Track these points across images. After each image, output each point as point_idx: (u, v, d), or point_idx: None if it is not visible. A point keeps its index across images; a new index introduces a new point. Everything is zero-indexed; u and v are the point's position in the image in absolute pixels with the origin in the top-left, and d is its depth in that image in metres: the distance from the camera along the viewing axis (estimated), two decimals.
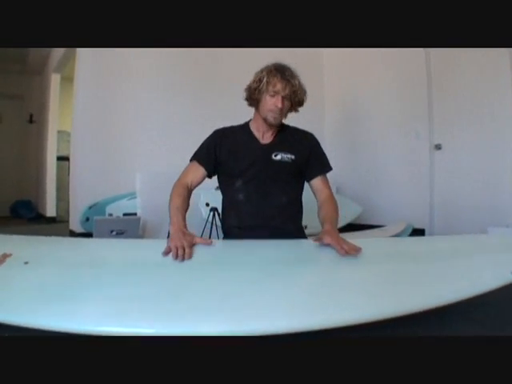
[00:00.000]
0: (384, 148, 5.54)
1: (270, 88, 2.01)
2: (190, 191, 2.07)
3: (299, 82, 2.05)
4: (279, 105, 2.00)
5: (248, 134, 2.15)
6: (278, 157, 2.08)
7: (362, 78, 5.72)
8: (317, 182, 2.11)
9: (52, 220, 6.96)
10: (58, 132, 7.13)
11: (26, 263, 1.64)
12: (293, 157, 2.09)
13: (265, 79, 2.02)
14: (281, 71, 2.01)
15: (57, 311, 1.31)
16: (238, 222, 2.14)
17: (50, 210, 7.05)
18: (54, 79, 6.99)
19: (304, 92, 2.08)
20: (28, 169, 8.17)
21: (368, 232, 4.64)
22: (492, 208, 4.44)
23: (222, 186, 2.24)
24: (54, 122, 7.08)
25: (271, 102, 2.02)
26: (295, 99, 2.05)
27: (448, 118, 4.89)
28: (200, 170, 2.11)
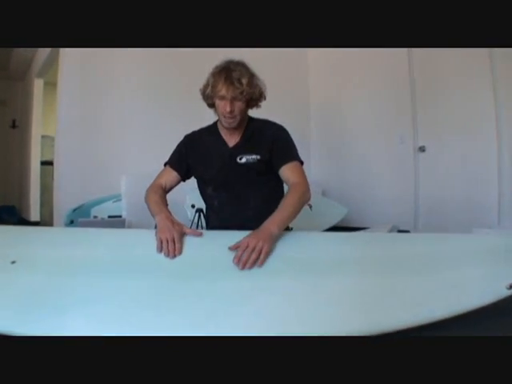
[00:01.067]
0: (369, 150, 5.59)
1: (216, 92, 1.95)
2: (164, 192, 2.08)
3: (248, 80, 1.95)
4: (227, 108, 1.93)
5: (216, 136, 2.12)
6: (243, 160, 2.02)
7: (346, 81, 5.77)
8: (282, 172, 2.01)
9: (36, 224, 6.84)
10: (42, 137, 7.07)
11: (13, 263, 1.60)
12: (258, 156, 2.03)
13: (210, 83, 1.98)
14: (225, 72, 1.94)
15: (43, 320, 1.31)
16: (219, 225, 2.14)
17: (34, 215, 6.98)
18: (37, 84, 6.95)
19: (257, 86, 2.00)
20: (11, 174, 8.05)
21: (352, 234, 4.64)
22: (476, 209, 4.49)
23: (199, 189, 2.24)
24: (38, 127, 7.02)
25: (221, 106, 1.97)
26: (246, 97, 1.96)
27: (431, 120, 4.95)
28: (173, 174, 2.12)
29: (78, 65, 4.74)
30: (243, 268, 1.53)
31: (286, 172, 1.99)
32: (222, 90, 1.92)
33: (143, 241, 1.88)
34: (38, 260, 1.67)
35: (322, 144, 6.08)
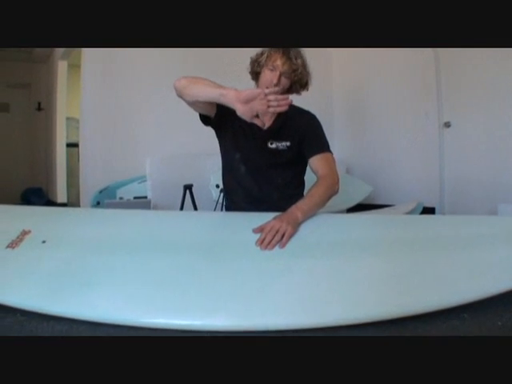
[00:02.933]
0: (393, 127, 5.53)
1: (270, 62, 1.98)
2: None
3: (302, 63, 2.00)
4: (275, 80, 1.95)
5: None
6: (273, 145, 2.04)
7: (370, 59, 5.67)
8: (312, 162, 2.03)
9: (63, 206, 6.96)
10: (67, 119, 7.12)
11: (44, 242, 1.66)
12: (288, 143, 2.05)
13: (266, 53, 2.00)
14: (284, 49, 1.98)
15: (71, 298, 1.35)
16: (242, 194, 2.14)
17: (61, 197, 7.08)
18: (61, 66, 6.95)
19: (307, 74, 2.03)
20: (38, 156, 8.18)
21: (378, 211, 4.64)
22: (502, 185, 4.43)
23: (222, 152, 2.21)
24: (63, 109, 7.07)
25: (268, 77, 1.98)
26: (295, 78, 2.00)
27: (456, 96, 4.87)
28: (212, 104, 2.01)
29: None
30: (265, 249, 1.54)
31: (316, 163, 2.01)
32: (277, 60, 1.97)
33: (169, 222, 1.95)
34: (67, 239, 1.72)
35: (346, 121, 6.04)
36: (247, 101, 1.65)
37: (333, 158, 2.05)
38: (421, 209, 4.72)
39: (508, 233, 1.66)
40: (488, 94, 4.57)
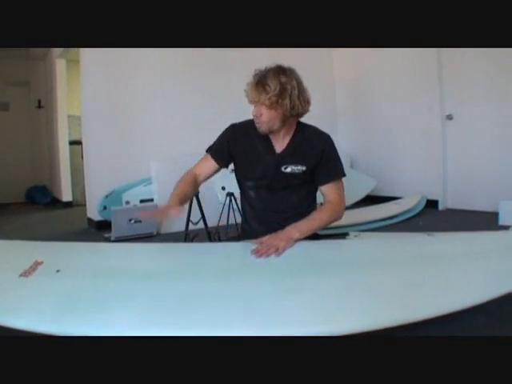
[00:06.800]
0: (396, 120, 5.56)
1: (249, 97, 1.97)
2: (196, 179, 2.12)
3: (280, 89, 1.88)
4: (255, 113, 1.96)
5: (262, 137, 2.07)
6: (288, 169, 2.04)
7: (372, 53, 5.62)
8: (323, 188, 2.08)
9: (68, 204, 7.04)
10: (69, 117, 7.11)
11: (58, 271, 1.69)
12: (304, 168, 2.04)
13: (247, 88, 1.98)
14: (259, 77, 1.93)
15: (89, 321, 1.36)
16: (253, 215, 2.19)
17: (66, 195, 7.11)
18: (60, 64, 6.92)
19: (291, 100, 1.91)
20: (40, 154, 8.20)
21: (383, 206, 4.70)
22: (505, 179, 4.47)
23: (236, 175, 2.24)
24: (63, 107, 7.06)
25: (253, 112, 1.98)
26: (281, 104, 1.91)
27: (459, 88, 4.89)
28: (211, 163, 2.12)
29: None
30: (259, 257, 1.75)
31: (326, 189, 2.07)
32: (252, 94, 1.94)
33: (175, 252, 2.10)
34: (80, 269, 1.78)
35: (349, 115, 6.05)
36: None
37: (343, 185, 2.09)
38: (424, 202, 4.78)
39: (501, 247, 1.90)
40: (491, 87, 4.59)
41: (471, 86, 4.75)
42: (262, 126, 1.98)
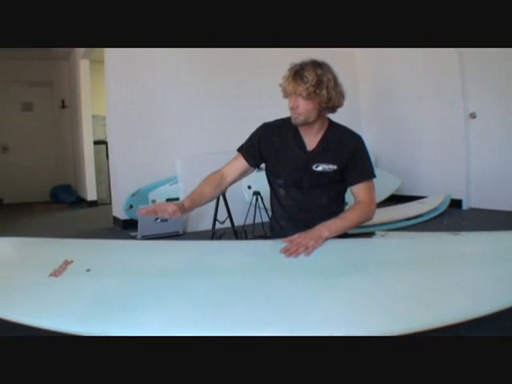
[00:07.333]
0: (419, 119, 5.55)
1: (284, 87, 1.99)
2: (222, 180, 2.13)
3: (316, 80, 1.91)
4: (291, 104, 1.97)
5: (295, 134, 2.10)
6: (320, 168, 2.04)
7: (395, 52, 5.61)
8: (353, 189, 2.08)
9: (93, 203, 7.12)
10: (93, 117, 7.19)
11: (88, 271, 1.71)
12: (335, 167, 2.05)
13: (283, 81, 2.00)
14: (296, 69, 1.95)
15: (120, 320, 1.38)
16: (282, 213, 2.21)
17: (91, 194, 7.18)
18: (83, 65, 6.98)
19: (329, 92, 1.95)
20: (65, 154, 8.30)
21: (408, 205, 4.72)
22: None
23: (266, 173, 2.26)
24: (88, 107, 7.12)
25: (290, 103, 2.00)
26: (312, 97, 1.93)
27: (481, 86, 4.86)
28: (241, 162, 2.15)
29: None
30: (289, 256, 1.73)
31: (357, 189, 2.06)
32: (290, 86, 1.95)
33: (205, 250, 2.10)
34: (110, 268, 1.80)
35: (373, 115, 6.06)
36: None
37: (373, 186, 2.09)
38: (448, 201, 4.77)
39: None
40: None
41: (494, 84, 4.73)
42: (298, 118, 1.98)
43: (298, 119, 1.99)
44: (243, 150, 2.17)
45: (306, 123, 2.01)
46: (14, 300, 1.56)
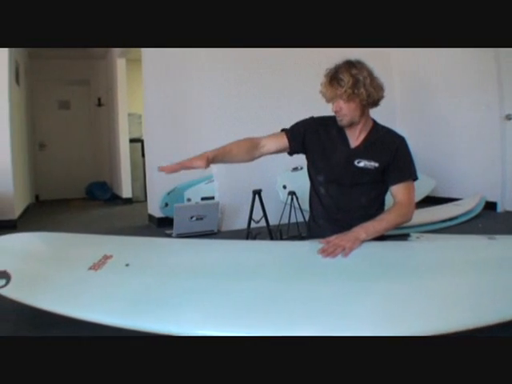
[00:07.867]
0: (454, 120, 5.47)
1: (323, 93, 2.04)
2: (255, 148, 2.14)
3: (352, 81, 1.95)
4: (334, 108, 2.02)
5: (341, 132, 2.13)
6: (361, 164, 2.08)
7: (430, 52, 5.55)
8: (393, 189, 2.09)
9: (128, 201, 7.24)
10: (129, 115, 7.30)
11: (127, 265, 1.76)
12: (376, 164, 2.06)
13: (321, 87, 2.04)
14: (331, 75, 2.00)
15: (157, 315, 1.43)
16: (322, 212, 2.23)
17: (126, 191, 7.30)
18: (120, 64, 7.10)
19: (366, 89, 1.98)
20: (101, 151, 8.46)
21: (443, 207, 4.69)
22: None
23: (308, 170, 2.29)
24: (124, 105, 7.24)
25: (333, 108, 2.04)
26: (357, 94, 1.97)
27: None
28: (283, 140, 2.17)
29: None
30: (326, 257, 1.77)
31: (397, 190, 2.08)
32: (328, 93, 2.01)
33: (240, 249, 2.14)
34: (148, 264, 1.86)
35: (407, 115, 6.00)
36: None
37: (414, 187, 2.11)
38: (483, 204, 4.72)
39: None
40: None
41: None
42: (344, 119, 2.03)
43: (343, 121, 2.04)
44: (288, 131, 2.19)
45: (353, 123, 2.05)
46: (55, 292, 1.62)
